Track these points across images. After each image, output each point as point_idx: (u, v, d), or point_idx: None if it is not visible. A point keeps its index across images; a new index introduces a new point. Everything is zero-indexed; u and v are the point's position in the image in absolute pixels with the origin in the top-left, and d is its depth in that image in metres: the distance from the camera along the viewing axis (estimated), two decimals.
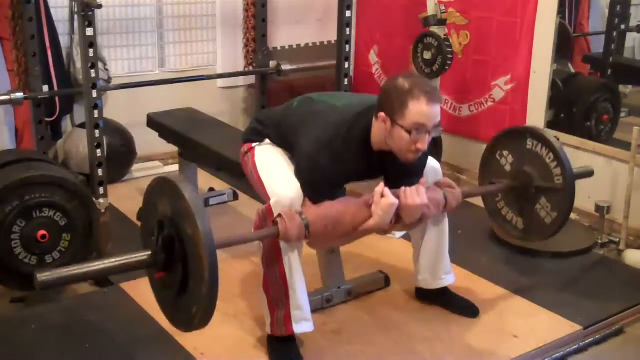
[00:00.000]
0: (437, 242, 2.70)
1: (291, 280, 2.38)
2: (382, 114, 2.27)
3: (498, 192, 2.90)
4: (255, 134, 2.62)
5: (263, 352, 2.48)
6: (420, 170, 2.48)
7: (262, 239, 2.35)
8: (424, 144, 2.27)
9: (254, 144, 2.60)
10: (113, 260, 2.08)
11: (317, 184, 2.33)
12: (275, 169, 2.47)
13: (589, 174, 3.00)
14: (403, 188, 2.33)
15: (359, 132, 2.35)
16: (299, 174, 2.37)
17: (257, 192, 2.55)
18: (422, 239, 2.70)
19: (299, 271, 2.40)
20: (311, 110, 2.47)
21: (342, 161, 2.32)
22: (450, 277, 2.77)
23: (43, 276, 1.94)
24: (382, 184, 2.32)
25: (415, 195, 2.31)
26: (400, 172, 2.40)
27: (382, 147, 2.34)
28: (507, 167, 2.85)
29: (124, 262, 2.07)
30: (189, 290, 2.01)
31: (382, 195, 2.29)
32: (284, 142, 2.52)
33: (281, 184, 2.38)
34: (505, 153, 2.84)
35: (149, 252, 2.08)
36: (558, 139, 2.78)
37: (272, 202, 2.34)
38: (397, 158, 2.33)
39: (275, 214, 2.28)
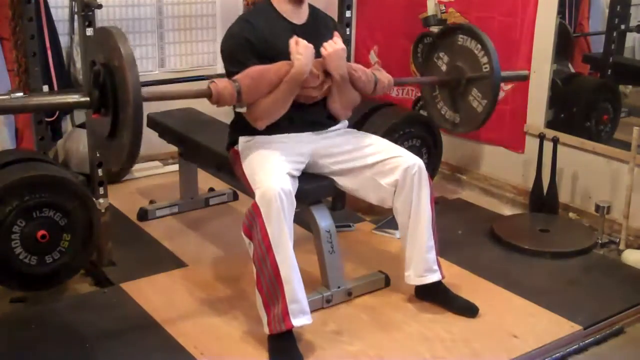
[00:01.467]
0: (417, 241, 2.70)
1: (284, 273, 2.38)
2: None
3: (430, 83, 3.14)
4: (232, 138, 2.77)
5: (263, 352, 2.48)
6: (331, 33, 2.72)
7: (195, 97, 2.58)
8: None
9: (235, 147, 2.72)
10: (52, 97, 2.37)
11: (235, 51, 2.59)
12: (258, 164, 2.55)
13: (521, 77, 3.27)
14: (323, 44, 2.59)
15: (262, 4, 2.73)
16: (221, 52, 2.67)
17: (248, 191, 2.59)
18: (406, 236, 2.72)
19: (293, 263, 2.41)
20: None
21: (253, 26, 2.60)
22: (434, 275, 2.75)
23: None
24: (294, 37, 2.55)
25: (332, 43, 2.58)
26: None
27: (283, 8, 2.65)
28: (444, 67, 3.06)
29: (61, 100, 2.39)
30: (117, 133, 2.30)
31: (296, 43, 2.53)
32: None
33: (265, 177, 2.44)
34: (441, 55, 3.06)
35: (87, 97, 2.30)
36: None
37: (256, 196, 2.38)
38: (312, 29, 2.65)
39: (262, 209, 2.33)
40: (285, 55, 2.56)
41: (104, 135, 2.36)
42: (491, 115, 3.00)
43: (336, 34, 2.66)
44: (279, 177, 2.44)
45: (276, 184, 2.39)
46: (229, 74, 2.60)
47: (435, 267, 2.75)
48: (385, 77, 2.77)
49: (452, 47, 3.00)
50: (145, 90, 2.26)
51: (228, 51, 2.64)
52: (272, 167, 2.51)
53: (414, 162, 2.65)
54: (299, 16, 2.71)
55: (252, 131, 2.66)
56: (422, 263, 2.73)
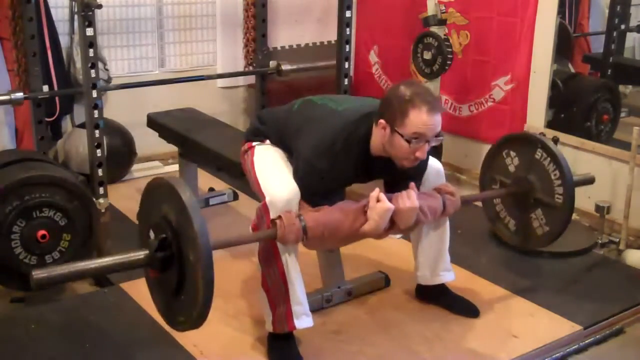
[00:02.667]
0: (438, 239, 2.70)
1: (290, 277, 2.38)
2: (382, 121, 2.28)
3: (497, 197, 2.93)
4: (257, 134, 2.63)
5: (262, 352, 2.48)
6: (419, 175, 2.50)
7: (259, 241, 2.35)
8: (423, 153, 2.28)
9: (254, 143, 2.61)
10: (109, 259, 2.08)
11: (315, 188, 2.34)
12: (272, 169, 2.48)
13: (589, 181, 3.02)
14: (396, 193, 2.34)
15: (359, 137, 2.35)
16: (297, 176, 2.37)
17: (253, 190, 2.56)
18: (422, 236, 2.71)
19: (296, 267, 2.40)
20: (311, 113, 2.47)
21: (340, 166, 2.33)
22: (450, 274, 2.77)
23: (39, 274, 1.93)
24: (377, 189, 2.32)
25: (406, 199, 2.32)
26: (399, 176, 2.41)
27: (380, 153, 2.35)
28: (511, 168, 2.87)
29: (120, 261, 2.07)
30: (184, 291, 2.02)
31: (378, 200, 2.29)
32: (284, 144, 2.52)
33: (277, 184, 2.38)
34: (512, 154, 2.87)
35: (146, 252, 2.07)
36: (556, 139, 2.77)
37: (267, 200, 2.35)
38: (396, 164, 2.34)
39: (271, 213, 2.30)
40: (355, 179, 2.45)
41: (168, 293, 2.11)
42: (547, 245, 2.89)
43: (412, 185, 2.38)
44: (289, 184, 2.37)
45: (285, 191, 2.34)
46: (302, 193, 2.35)
47: (450, 266, 2.75)
48: (454, 206, 2.51)
49: (527, 155, 2.80)
50: (214, 240, 2.02)
51: (308, 187, 2.34)
52: (283, 173, 2.44)
53: (432, 166, 2.58)
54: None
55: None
56: (441, 262, 2.73)
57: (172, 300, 2.09)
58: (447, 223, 2.71)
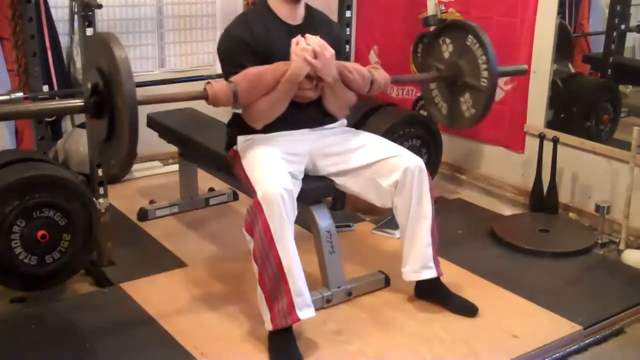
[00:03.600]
0: (417, 235, 2.70)
1: (288, 266, 2.38)
2: None
3: (427, 80, 3.16)
4: (231, 137, 2.76)
5: (263, 352, 2.48)
6: (341, 43, 2.86)
7: (191, 99, 2.58)
8: None
9: (235, 147, 2.71)
10: (50, 102, 2.39)
11: (232, 52, 2.59)
12: (260, 165, 2.53)
13: (519, 72, 3.31)
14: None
15: (261, 6, 2.72)
16: (219, 53, 2.67)
17: (246, 189, 2.59)
18: (405, 231, 2.72)
19: (296, 257, 2.41)
20: None
21: (250, 27, 2.61)
22: (430, 271, 2.74)
23: None
24: (299, 36, 2.57)
25: (319, 42, 2.55)
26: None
27: (279, 9, 2.66)
28: (446, 54, 3.05)
29: (59, 105, 2.50)
30: (114, 136, 2.31)
31: (297, 43, 2.54)
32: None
33: (267, 178, 2.43)
34: (448, 41, 3.05)
35: (81, 100, 2.34)
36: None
37: (259, 195, 2.38)
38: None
39: (265, 208, 2.34)
40: (279, 57, 2.58)
41: (101, 138, 2.38)
42: (473, 126, 3.13)
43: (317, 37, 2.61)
44: (280, 176, 2.44)
45: (277, 183, 2.39)
46: (226, 74, 2.60)
47: (431, 264, 2.74)
48: (382, 76, 2.77)
49: (460, 42, 2.99)
50: (141, 94, 2.26)
51: (225, 52, 2.65)
52: (273, 166, 2.51)
53: (414, 163, 2.65)
54: (295, 17, 2.71)
55: (250, 130, 2.67)
56: (420, 259, 2.72)
57: (105, 146, 2.38)
58: (428, 219, 2.69)
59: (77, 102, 2.38)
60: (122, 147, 2.26)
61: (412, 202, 2.65)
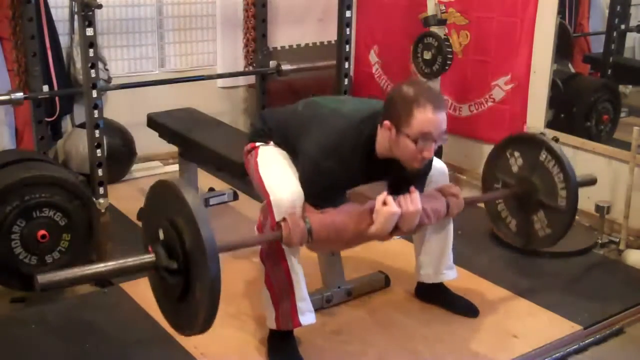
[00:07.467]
0: (442, 238, 2.70)
1: (294, 274, 2.38)
2: (387, 122, 2.25)
3: (500, 199, 2.93)
4: (260, 135, 2.61)
5: (263, 353, 2.48)
6: (423, 176, 2.49)
7: (264, 243, 2.34)
8: (430, 152, 2.26)
9: (257, 144, 2.59)
10: (114, 263, 2.06)
11: (320, 189, 2.31)
12: (276, 170, 2.46)
13: (591, 182, 3.00)
14: (400, 196, 2.31)
15: (364, 139, 2.33)
16: (302, 177, 2.35)
17: (257, 191, 2.55)
18: (426, 234, 2.70)
19: (300, 266, 2.41)
20: (316, 114, 2.45)
21: (346, 167, 2.30)
22: (452, 272, 2.77)
23: (43, 278, 1.92)
24: (384, 193, 2.30)
25: (410, 203, 2.29)
26: (403, 178, 2.40)
27: (386, 155, 2.33)
28: (514, 169, 2.85)
29: (125, 265, 2.06)
30: (190, 295, 2.01)
31: (384, 203, 2.27)
32: (288, 144, 2.51)
33: (281, 185, 2.37)
34: (516, 154, 2.85)
35: (152, 256, 2.06)
36: (556, 139, 2.77)
37: (271, 198, 2.34)
38: (401, 165, 2.33)
39: (275, 213, 2.29)
40: (360, 181, 2.43)
41: (174, 298, 2.08)
42: (548, 247, 2.92)
43: (413, 189, 2.33)
44: (294, 188, 2.36)
45: (290, 195, 2.32)
46: (306, 195, 2.33)
47: (453, 264, 2.76)
48: (457, 207, 2.50)
49: (531, 156, 2.79)
50: (220, 247, 1.97)
51: (313, 188, 2.33)
52: (289, 177, 2.41)
53: (438, 167, 2.60)
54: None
55: (282, 143, 2.54)
56: (445, 261, 2.73)
57: (177, 305, 2.08)
58: (451, 222, 2.71)
59: (146, 259, 2.07)
60: (204, 303, 1.95)
61: None
